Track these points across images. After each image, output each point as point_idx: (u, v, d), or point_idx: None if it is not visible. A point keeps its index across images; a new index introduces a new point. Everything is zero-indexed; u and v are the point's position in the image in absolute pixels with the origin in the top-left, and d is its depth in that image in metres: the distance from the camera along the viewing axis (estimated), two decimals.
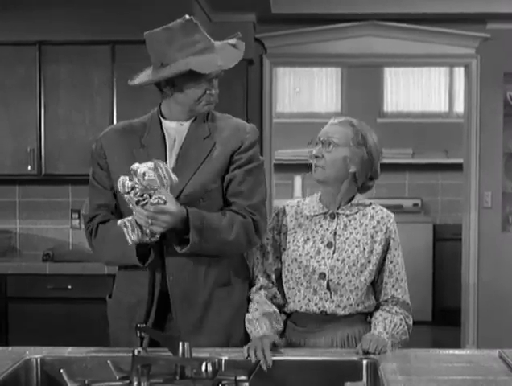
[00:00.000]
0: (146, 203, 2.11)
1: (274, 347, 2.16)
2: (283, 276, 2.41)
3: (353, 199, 2.42)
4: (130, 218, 2.16)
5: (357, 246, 2.36)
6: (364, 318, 2.40)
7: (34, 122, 4.60)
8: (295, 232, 2.41)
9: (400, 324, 2.33)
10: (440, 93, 7.86)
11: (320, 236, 2.38)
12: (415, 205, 7.66)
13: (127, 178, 2.13)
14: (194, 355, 1.89)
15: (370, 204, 2.43)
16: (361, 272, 2.34)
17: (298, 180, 7.70)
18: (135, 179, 2.11)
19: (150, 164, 2.12)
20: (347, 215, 2.40)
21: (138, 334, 1.97)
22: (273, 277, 2.42)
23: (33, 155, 4.58)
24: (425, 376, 1.95)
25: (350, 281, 2.33)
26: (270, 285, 2.42)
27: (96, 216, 2.40)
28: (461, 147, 6.01)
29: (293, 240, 2.41)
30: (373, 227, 2.38)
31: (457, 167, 6.43)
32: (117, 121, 4.26)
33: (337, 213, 2.40)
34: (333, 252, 2.35)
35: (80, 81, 4.58)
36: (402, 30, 5.61)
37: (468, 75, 5.78)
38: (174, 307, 2.31)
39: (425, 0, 5.36)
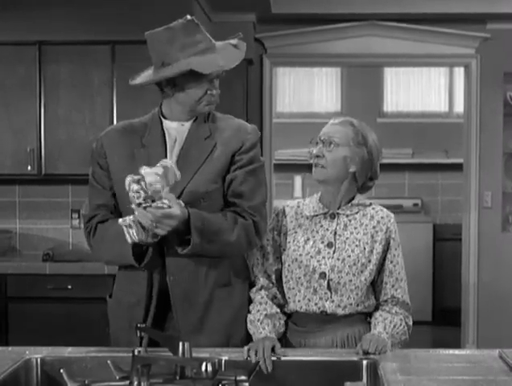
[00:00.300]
0: (150, 206, 2.12)
1: (273, 352, 2.16)
2: (283, 276, 2.42)
3: (353, 199, 2.42)
4: (131, 217, 2.16)
5: (357, 246, 2.36)
6: (364, 318, 2.40)
7: (34, 122, 4.60)
8: (295, 233, 2.42)
9: (400, 324, 2.34)
10: (440, 93, 7.86)
11: (320, 236, 2.38)
12: (415, 205, 7.66)
13: (135, 179, 2.12)
14: (194, 355, 1.90)
15: (370, 204, 2.44)
16: (362, 271, 2.35)
17: (298, 180, 7.70)
18: (142, 184, 2.11)
19: (159, 171, 2.11)
20: (347, 215, 2.40)
21: (138, 334, 1.97)
22: (273, 277, 2.43)
23: (33, 155, 4.58)
24: (425, 376, 1.95)
25: (350, 281, 2.34)
26: (271, 285, 2.42)
27: (95, 216, 2.40)
28: (461, 147, 6.01)
29: (293, 241, 2.41)
30: (374, 227, 2.38)
31: (457, 167, 6.43)
32: (117, 121, 4.26)
33: (337, 213, 2.40)
34: (333, 252, 2.35)
35: (80, 81, 4.58)
36: (402, 30, 5.61)
37: (468, 75, 5.78)
38: (174, 307, 2.31)
39: (425, 0, 5.37)
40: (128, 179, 2.13)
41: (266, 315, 2.33)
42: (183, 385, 1.90)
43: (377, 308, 2.40)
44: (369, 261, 2.36)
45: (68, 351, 2.20)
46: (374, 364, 2.10)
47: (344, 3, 5.40)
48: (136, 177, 2.12)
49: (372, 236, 2.37)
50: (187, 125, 2.38)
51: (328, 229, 2.39)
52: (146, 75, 2.36)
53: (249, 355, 2.13)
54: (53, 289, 4.32)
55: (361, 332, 2.34)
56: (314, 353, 2.23)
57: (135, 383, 1.89)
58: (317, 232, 2.39)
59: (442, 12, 5.41)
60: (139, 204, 2.12)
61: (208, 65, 2.25)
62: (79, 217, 4.83)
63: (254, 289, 2.42)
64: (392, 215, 2.43)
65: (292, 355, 2.18)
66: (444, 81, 7.86)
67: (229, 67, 2.30)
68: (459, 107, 7.35)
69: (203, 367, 1.78)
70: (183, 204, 2.19)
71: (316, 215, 2.41)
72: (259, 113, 5.64)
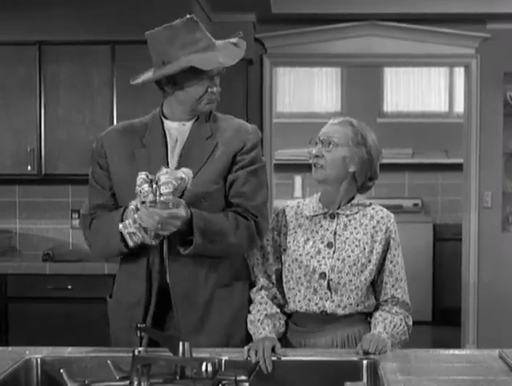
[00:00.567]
0: (154, 206, 2.11)
1: (273, 352, 2.16)
2: (284, 276, 2.42)
3: (352, 199, 2.42)
4: (131, 221, 2.16)
5: (357, 246, 2.36)
6: (364, 318, 2.40)
7: (34, 122, 4.60)
8: (295, 233, 2.42)
9: (400, 324, 2.34)
10: (440, 93, 7.86)
11: (320, 236, 2.38)
12: (415, 205, 7.66)
13: (148, 180, 2.10)
14: (194, 355, 1.90)
15: (370, 204, 2.44)
16: (362, 271, 2.35)
17: (298, 180, 7.70)
18: (154, 187, 2.10)
19: (176, 182, 2.10)
20: (347, 215, 2.40)
21: (138, 334, 1.97)
22: (273, 277, 2.43)
23: (33, 155, 4.58)
24: (425, 376, 1.95)
25: (351, 281, 2.34)
26: (271, 285, 2.42)
27: (93, 215, 2.40)
28: (461, 147, 6.01)
29: (293, 241, 2.41)
30: (374, 227, 2.38)
31: (457, 167, 6.43)
32: (118, 121, 4.26)
33: (337, 213, 2.40)
34: (333, 252, 2.36)
35: (80, 81, 4.58)
36: (402, 30, 5.61)
37: (468, 75, 5.78)
38: (175, 307, 2.30)
39: (425, 0, 5.37)
40: (142, 177, 2.11)
41: (266, 315, 2.33)
42: (183, 385, 1.90)
43: (377, 308, 2.40)
44: (369, 261, 2.36)
45: (68, 351, 2.20)
46: (374, 364, 2.10)
47: (344, 3, 5.40)
48: (150, 177, 2.11)
49: (372, 236, 2.37)
50: (189, 124, 2.38)
51: (327, 229, 2.39)
52: (146, 75, 2.36)
53: (249, 355, 2.13)
54: (53, 289, 4.32)
55: (361, 332, 2.34)
56: (314, 353, 2.23)
57: (135, 383, 1.89)
58: (317, 232, 2.39)
59: (442, 12, 5.41)
60: (143, 202, 2.11)
61: (209, 62, 2.25)
62: (79, 217, 4.82)
63: (254, 290, 2.42)
64: (392, 215, 2.44)
65: (292, 355, 2.18)
66: (444, 81, 7.86)
67: (229, 64, 2.30)
68: (459, 107, 7.35)
69: (203, 367, 1.78)
70: (187, 208, 2.19)
71: (316, 215, 2.41)
72: (259, 113, 5.64)
